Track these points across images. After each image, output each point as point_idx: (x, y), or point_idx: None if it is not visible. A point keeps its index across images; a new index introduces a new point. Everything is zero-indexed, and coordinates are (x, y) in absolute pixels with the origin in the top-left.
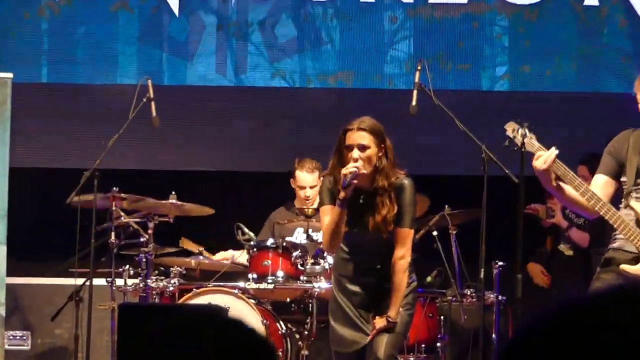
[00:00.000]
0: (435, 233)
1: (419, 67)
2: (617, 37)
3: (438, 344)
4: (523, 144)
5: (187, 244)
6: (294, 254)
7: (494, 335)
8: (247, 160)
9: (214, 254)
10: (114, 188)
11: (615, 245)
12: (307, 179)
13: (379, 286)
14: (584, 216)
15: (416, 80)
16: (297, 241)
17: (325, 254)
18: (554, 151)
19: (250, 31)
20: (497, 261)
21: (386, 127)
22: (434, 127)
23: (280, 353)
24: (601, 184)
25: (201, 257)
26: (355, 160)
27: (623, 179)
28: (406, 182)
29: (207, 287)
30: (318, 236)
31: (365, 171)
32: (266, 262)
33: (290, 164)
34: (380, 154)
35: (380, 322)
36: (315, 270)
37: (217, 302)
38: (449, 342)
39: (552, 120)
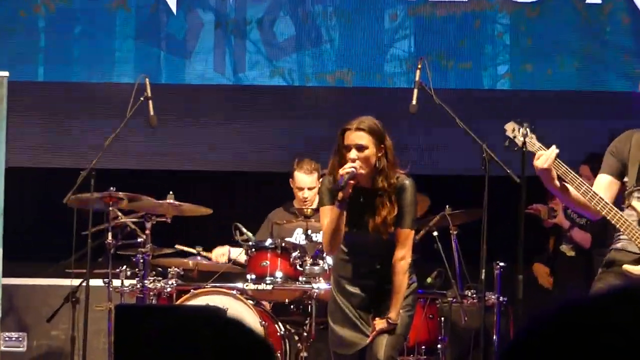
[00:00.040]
0: (435, 233)
1: (419, 66)
2: (619, 35)
3: (438, 346)
4: (524, 143)
5: (182, 249)
6: (293, 254)
7: (494, 337)
8: (246, 160)
9: (210, 252)
10: (111, 188)
11: (617, 245)
12: (305, 181)
13: (379, 287)
14: (587, 216)
15: (417, 78)
16: (296, 242)
17: (324, 255)
18: (554, 150)
19: (248, 29)
20: (498, 262)
21: (386, 126)
22: (435, 126)
23: (279, 355)
24: (605, 184)
25: (199, 258)
26: (353, 161)
27: (625, 179)
28: (407, 182)
29: (205, 288)
30: (317, 237)
31: (362, 171)
32: (265, 263)
33: (289, 164)
34: (379, 155)
35: (380, 323)
36: (314, 271)
37: (215, 303)
38: (450, 344)
39: (554, 119)
